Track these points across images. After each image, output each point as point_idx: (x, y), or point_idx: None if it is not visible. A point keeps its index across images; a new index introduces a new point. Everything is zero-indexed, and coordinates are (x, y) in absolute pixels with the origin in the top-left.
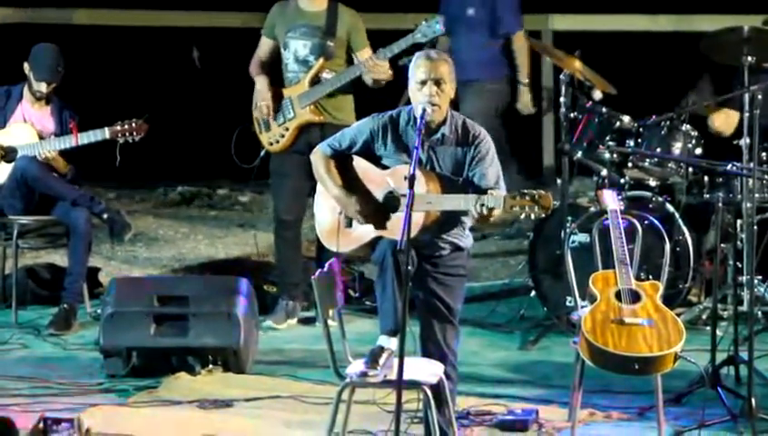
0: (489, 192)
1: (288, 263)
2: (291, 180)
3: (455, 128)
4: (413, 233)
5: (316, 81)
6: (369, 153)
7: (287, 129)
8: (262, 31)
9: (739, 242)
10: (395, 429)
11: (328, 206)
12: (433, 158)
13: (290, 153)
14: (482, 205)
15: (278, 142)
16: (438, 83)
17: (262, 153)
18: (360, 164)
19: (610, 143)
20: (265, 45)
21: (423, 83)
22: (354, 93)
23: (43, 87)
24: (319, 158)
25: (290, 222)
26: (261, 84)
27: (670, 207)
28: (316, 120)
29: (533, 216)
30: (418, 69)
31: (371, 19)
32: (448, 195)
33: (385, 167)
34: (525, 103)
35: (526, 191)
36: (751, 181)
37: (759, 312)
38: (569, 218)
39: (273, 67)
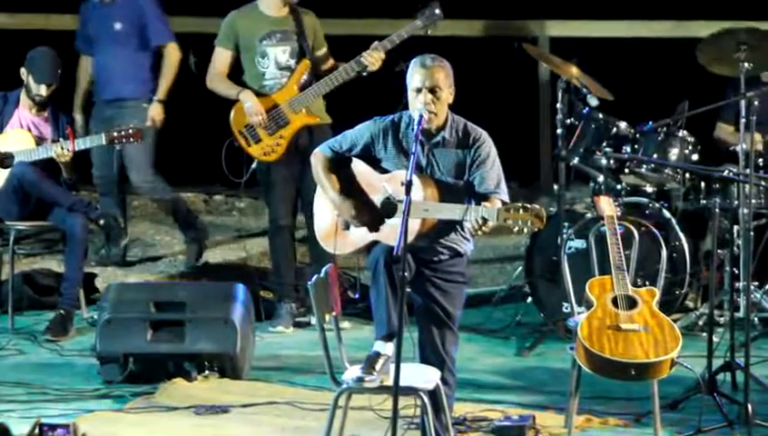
0: (484, 204)
1: (284, 268)
2: (285, 185)
3: (455, 131)
4: (409, 240)
5: (302, 84)
6: (369, 155)
7: (281, 137)
8: (217, 42)
9: (735, 248)
10: (391, 435)
11: (326, 208)
12: (433, 162)
13: (280, 160)
14: (476, 217)
15: (274, 151)
16: (433, 90)
17: (254, 164)
18: (359, 168)
19: (607, 149)
20: (224, 57)
21: (418, 90)
22: (354, 95)
23: (43, 90)
24: (318, 160)
25: (288, 228)
26: (251, 99)
27: (667, 213)
28: (312, 123)
29: (525, 230)
30: (413, 77)
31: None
32: (444, 204)
33: (385, 170)
34: (152, 116)
35: (520, 204)
36: (747, 187)
37: (755, 318)
38: (566, 224)
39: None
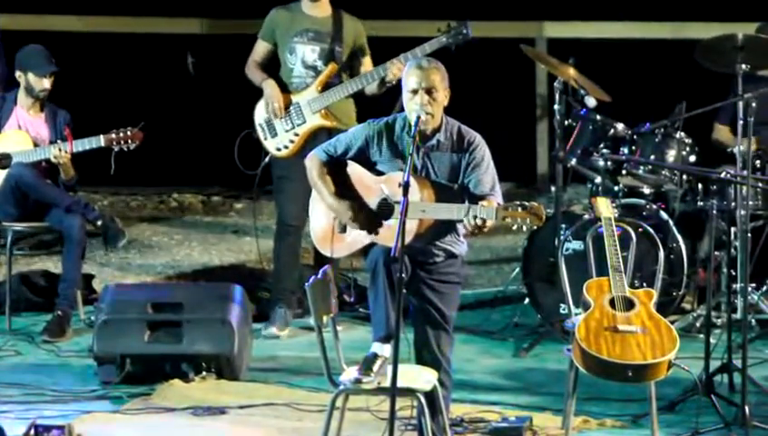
0: (482, 203)
1: (286, 270)
2: (297, 185)
3: (450, 134)
4: (406, 241)
5: (325, 86)
6: (363, 158)
7: (296, 134)
8: (260, 34)
9: (733, 250)
10: None
11: (322, 211)
12: (428, 164)
13: (295, 158)
14: (475, 217)
15: (287, 147)
16: (429, 91)
17: (267, 158)
18: (355, 170)
19: (604, 150)
20: (261, 49)
21: (414, 92)
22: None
23: (47, 83)
24: (313, 163)
25: (295, 228)
26: (272, 87)
27: (664, 215)
28: (328, 125)
29: (525, 228)
30: (409, 78)
31: (386, 27)
32: (442, 204)
33: (380, 173)
34: None
35: (518, 202)
36: (744, 188)
37: (752, 320)
38: (563, 225)
39: (266, 71)
